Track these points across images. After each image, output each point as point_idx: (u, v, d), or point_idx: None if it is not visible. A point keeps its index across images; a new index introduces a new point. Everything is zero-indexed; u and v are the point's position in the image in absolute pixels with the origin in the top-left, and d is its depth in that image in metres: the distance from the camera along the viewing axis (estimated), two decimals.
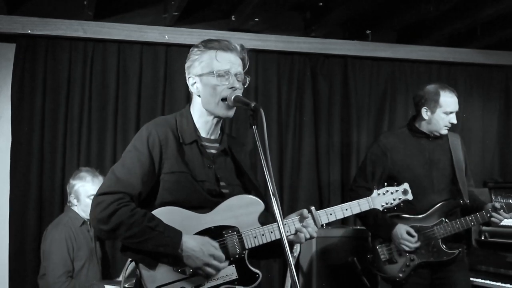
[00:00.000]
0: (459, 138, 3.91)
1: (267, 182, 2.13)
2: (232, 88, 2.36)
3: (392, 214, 3.68)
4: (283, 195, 5.18)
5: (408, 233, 3.57)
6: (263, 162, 2.16)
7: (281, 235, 2.09)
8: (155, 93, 4.96)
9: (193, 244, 2.25)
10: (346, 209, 2.57)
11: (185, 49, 4.92)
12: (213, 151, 2.47)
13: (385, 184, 2.80)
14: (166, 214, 2.29)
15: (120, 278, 4.11)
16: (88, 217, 4.18)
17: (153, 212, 2.29)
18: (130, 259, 2.37)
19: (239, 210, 2.38)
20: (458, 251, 3.64)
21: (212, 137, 2.49)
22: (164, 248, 2.23)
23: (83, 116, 4.79)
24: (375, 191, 2.71)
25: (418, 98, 3.81)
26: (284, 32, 5.24)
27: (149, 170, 2.31)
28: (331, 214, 2.52)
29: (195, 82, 2.44)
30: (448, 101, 3.69)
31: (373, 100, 5.53)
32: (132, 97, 4.90)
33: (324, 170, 5.32)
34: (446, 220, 3.64)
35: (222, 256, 2.30)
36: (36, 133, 4.67)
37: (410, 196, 2.77)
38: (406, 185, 2.79)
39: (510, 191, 4.91)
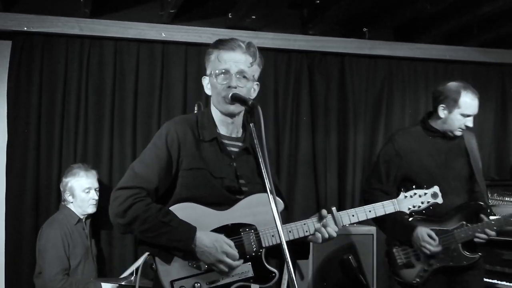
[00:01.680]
0: (474, 137, 3.76)
1: (264, 179, 2.13)
2: (230, 87, 2.40)
3: (409, 217, 3.55)
4: (280, 193, 5.17)
5: (430, 236, 3.44)
6: (260, 159, 2.18)
7: (279, 233, 2.09)
8: (151, 90, 4.95)
9: (207, 241, 2.27)
10: (370, 211, 2.56)
11: (182, 46, 5.02)
12: (234, 149, 2.51)
13: (403, 189, 2.73)
14: (183, 210, 2.32)
15: (125, 274, 4.11)
16: (84, 213, 4.22)
17: (170, 208, 2.33)
18: (147, 253, 2.40)
19: (258, 208, 2.40)
20: (478, 255, 3.52)
21: (233, 135, 2.53)
22: (177, 243, 2.26)
23: (80, 113, 4.77)
24: (402, 193, 2.67)
25: (437, 93, 3.64)
26: (281, 30, 5.23)
27: (167, 166, 2.36)
28: (353, 216, 2.52)
29: (207, 83, 2.53)
30: (469, 103, 3.54)
31: (370, 98, 5.53)
32: (129, 95, 4.89)
33: (321, 168, 5.32)
34: (467, 224, 3.52)
35: (236, 254, 2.32)
36: (32, 130, 4.66)
37: (440, 200, 2.72)
38: (436, 188, 2.72)
39: (506, 189, 4.92)
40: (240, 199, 2.42)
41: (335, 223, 2.46)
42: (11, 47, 4.69)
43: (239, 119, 2.54)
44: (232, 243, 2.32)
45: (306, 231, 2.44)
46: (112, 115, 4.85)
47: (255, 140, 2.24)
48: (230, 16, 4.94)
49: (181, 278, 2.29)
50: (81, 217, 4.23)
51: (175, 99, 4.97)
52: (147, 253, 2.44)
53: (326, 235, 2.44)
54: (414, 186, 2.74)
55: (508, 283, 4.24)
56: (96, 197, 4.25)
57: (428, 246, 3.43)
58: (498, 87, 5.89)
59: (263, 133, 2.17)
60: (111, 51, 4.88)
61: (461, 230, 3.51)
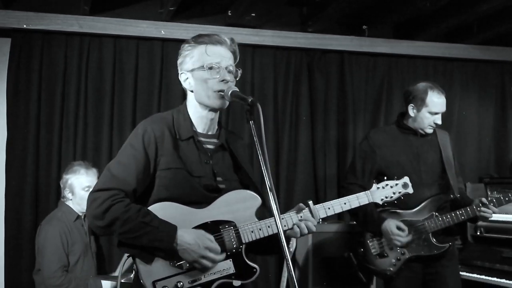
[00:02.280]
0: (448, 136, 3.94)
1: (264, 177, 2.13)
2: (224, 80, 2.38)
3: (383, 209, 3.71)
4: (280, 190, 5.19)
5: (398, 228, 3.59)
6: (260, 157, 2.16)
7: (278, 229, 2.08)
8: (151, 88, 4.95)
9: (188, 238, 2.26)
10: (345, 203, 2.57)
11: (181, 44, 5.00)
12: (210, 146, 2.48)
13: (374, 180, 2.81)
14: (162, 209, 2.30)
15: (117, 273, 4.12)
16: (83, 211, 4.22)
17: (149, 208, 2.30)
18: (127, 254, 2.37)
19: (236, 205, 2.39)
20: (448, 244, 3.67)
21: (210, 133, 2.50)
22: (159, 243, 2.24)
23: (79, 111, 4.77)
24: (374, 185, 2.71)
25: (407, 94, 3.85)
26: (280, 27, 5.23)
27: (144, 167, 2.33)
28: (329, 208, 2.53)
29: (187, 78, 2.47)
30: (435, 101, 3.72)
31: (370, 96, 5.53)
32: (128, 92, 4.89)
33: (320, 165, 5.33)
34: (437, 214, 3.69)
35: (218, 248, 2.31)
36: (31, 128, 4.66)
37: (410, 190, 2.76)
38: (406, 179, 2.77)
39: (505, 187, 4.92)
40: (218, 197, 2.40)
41: (312, 217, 2.45)
42: (10, 45, 4.69)
43: (218, 116, 2.50)
44: (212, 238, 2.31)
45: (285, 226, 2.43)
46: (112, 113, 4.85)
47: (254, 138, 2.22)
48: (229, 14, 4.94)
49: (163, 278, 2.27)
50: (80, 214, 4.23)
51: (174, 97, 4.97)
52: (126, 255, 2.41)
53: (305, 230, 2.43)
54: (385, 178, 2.80)
55: (507, 281, 4.24)
56: None
57: (398, 237, 3.58)
58: (498, 85, 5.89)
59: (262, 131, 2.15)
60: (111, 48, 4.88)
61: (431, 221, 3.66)
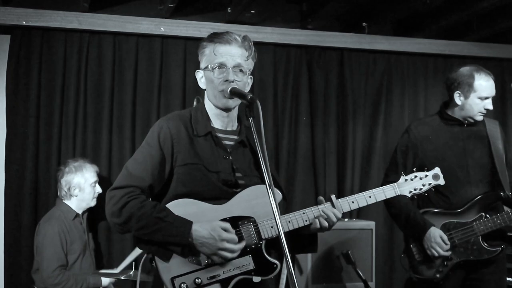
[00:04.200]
0: (498, 125, 3.66)
1: (263, 174, 2.13)
2: (227, 81, 2.39)
3: (426, 210, 3.47)
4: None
5: (442, 239, 3.37)
6: (260, 154, 2.19)
7: (277, 227, 2.09)
8: (150, 85, 4.94)
9: (204, 232, 2.26)
10: (370, 196, 2.50)
11: (181, 41, 5.01)
12: (230, 142, 2.50)
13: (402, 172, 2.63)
14: (181, 206, 2.31)
15: (118, 270, 4.11)
16: (87, 207, 4.25)
17: (167, 205, 2.32)
18: (147, 253, 2.39)
19: (256, 201, 2.38)
20: (500, 248, 3.40)
21: (229, 129, 2.52)
22: (173, 238, 2.26)
23: (79, 107, 4.77)
24: (402, 177, 2.59)
25: (450, 81, 3.56)
26: (280, 24, 5.23)
27: (160, 164, 2.36)
28: (353, 202, 2.48)
29: (202, 76, 2.51)
30: (484, 85, 3.46)
31: (369, 93, 5.52)
32: (128, 89, 4.89)
33: (320, 162, 5.32)
34: (487, 215, 3.42)
35: (235, 237, 2.30)
36: (31, 125, 4.65)
37: (442, 181, 2.62)
38: (437, 170, 2.63)
39: None
40: (237, 192, 2.40)
41: (335, 209, 2.43)
42: (9, 41, 4.68)
43: (234, 113, 2.52)
44: (228, 226, 2.31)
45: (306, 220, 2.42)
46: (111, 109, 4.85)
47: (254, 135, 2.23)
48: (229, 11, 4.93)
49: (181, 274, 2.29)
50: (79, 212, 4.24)
51: (174, 94, 4.97)
52: (146, 253, 2.42)
53: (325, 224, 2.42)
54: (414, 169, 2.66)
55: None
56: (101, 191, 4.31)
57: (438, 248, 3.36)
58: (498, 82, 5.80)
59: (262, 127, 2.17)
60: (110, 45, 4.87)
61: (480, 222, 3.40)
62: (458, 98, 3.51)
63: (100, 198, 4.29)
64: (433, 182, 2.61)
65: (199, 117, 2.48)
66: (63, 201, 4.21)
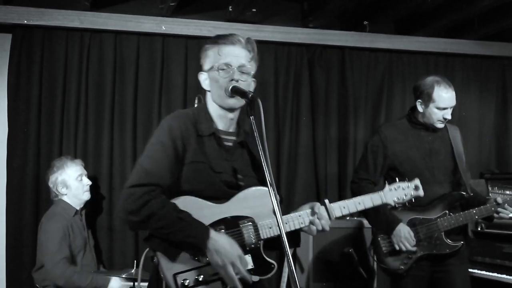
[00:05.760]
0: (458, 131, 3.86)
1: (264, 172, 2.14)
2: (232, 80, 2.40)
3: (393, 206, 3.65)
4: (280, 186, 5.19)
5: (410, 235, 3.54)
6: (261, 152, 2.20)
7: (278, 225, 2.10)
8: (151, 83, 4.95)
9: (224, 241, 2.27)
10: (359, 203, 2.61)
11: (182, 39, 5.02)
12: (230, 143, 2.51)
13: (387, 179, 2.76)
14: (183, 203, 2.32)
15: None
16: (80, 202, 4.23)
17: (171, 201, 2.33)
18: (148, 248, 2.39)
19: (255, 202, 2.41)
20: (460, 243, 3.60)
21: (230, 130, 2.53)
22: (193, 239, 2.25)
23: (80, 106, 4.77)
24: (387, 186, 2.75)
25: (415, 89, 3.77)
26: (281, 23, 5.23)
27: (175, 160, 2.36)
28: (344, 208, 2.56)
29: (206, 78, 2.51)
30: (443, 96, 3.62)
31: (370, 91, 5.52)
32: (129, 88, 4.89)
33: (321, 161, 5.33)
34: (450, 213, 3.61)
35: (248, 263, 2.33)
36: (32, 123, 4.66)
37: (421, 192, 2.83)
38: (417, 181, 2.84)
39: (506, 182, 4.92)
40: (237, 193, 2.43)
41: (328, 215, 2.49)
42: (11, 40, 4.69)
43: (237, 114, 2.53)
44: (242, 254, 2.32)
45: (301, 223, 2.46)
46: (112, 108, 4.85)
47: (255, 133, 2.24)
48: (230, 9, 4.93)
49: (183, 271, 2.30)
50: (78, 208, 4.24)
51: (175, 92, 4.97)
52: (147, 249, 2.42)
53: (320, 227, 2.46)
54: (397, 179, 2.84)
55: (508, 276, 4.25)
56: (90, 182, 4.29)
57: (406, 243, 3.53)
58: (499, 80, 5.89)
59: (263, 126, 2.19)
60: (111, 44, 4.88)
61: (444, 219, 3.59)
62: (419, 106, 3.71)
63: (97, 194, 4.27)
64: (414, 193, 2.82)
65: (202, 117, 2.49)
66: (61, 198, 4.21)
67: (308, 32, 5.26)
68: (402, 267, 3.58)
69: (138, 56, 4.94)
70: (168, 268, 2.29)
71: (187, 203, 2.32)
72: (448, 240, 3.59)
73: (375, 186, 3.74)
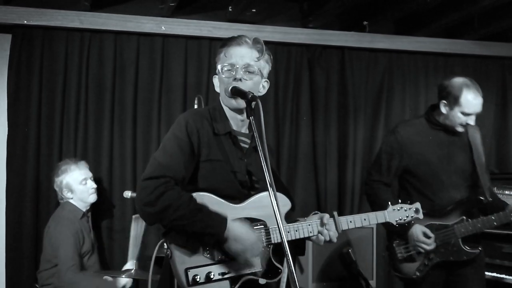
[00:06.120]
0: (478, 131, 3.67)
1: (264, 173, 2.15)
2: (235, 79, 2.43)
3: None
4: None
5: (425, 234, 3.45)
6: (260, 153, 2.21)
7: (278, 224, 2.11)
8: (151, 84, 4.94)
9: (241, 229, 2.32)
10: (365, 219, 2.73)
11: (182, 40, 5.02)
12: (245, 145, 2.55)
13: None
14: (200, 199, 2.34)
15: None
16: (86, 205, 4.23)
17: None
18: (161, 241, 2.40)
19: (269, 206, 2.39)
20: (478, 250, 3.52)
21: (243, 131, 2.57)
22: (211, 229, 2.28)
23: (80, 107, 4.77)
24: (390, 206, 2.80)
25: (441, 88, 3.57)
26: (281, 23, 5.23)
27: (190, 155, 2.38)
28: (351, 222, 2.68)
29: (217, 81, 2.57)
30: (471, 102, 3.45)
31: (370, 91, 5.52)
32: (129, 88, 4.89)
33: (321, 161, 5.33)
34: (468, 219, 3.50)
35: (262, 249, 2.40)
36: (32, 124, 4.66)
37: (421, 216, 2.86)
38: (417, 204, 2.87)
39: (506, 183, 4.92)
40: (252, 195, 2.47)
41: (336, 227, 2.57)
42: (11, 41, 4.69)
43: (244, 115, 2.55)
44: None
45: (310, 232, 2.55)
46: (112, 109, 4.85)
47: (255, 134, 2.26)
48: (230, 10, 4.93)
49: (195, 266, 2.32)
50: (84, 210, 4.24)
51: (175, 93, 4.97)
52: (161, 241, 2.42)
53: (328, 238, 2.55)
54: (399, 200, 2.88)
55: (507, 276, 4.25)
56: (95, 185, 4.29)
57: (423, 245, 3.45)
58: (498, 81, 5.89)
59: (263, 126, 2.21)
60: (111, 44, 4.87)
61: (461, 225, 3.49)
62: (443, 107, 3.54)
63: (103, 195, 4.27)
64: (414, 215, 2.87)
65: (218, 116, 2.51)
66: (68, 201, 4.20)
67: (308, 32, 5.26)
68: (418, 273, 3.50)
69: (138, 56, 4.94)
70: (180, 262, 2.32)
71: (203, 199, 2.35)
72: (466, 247, 3.50)
73: (388, 188, 3.64)
